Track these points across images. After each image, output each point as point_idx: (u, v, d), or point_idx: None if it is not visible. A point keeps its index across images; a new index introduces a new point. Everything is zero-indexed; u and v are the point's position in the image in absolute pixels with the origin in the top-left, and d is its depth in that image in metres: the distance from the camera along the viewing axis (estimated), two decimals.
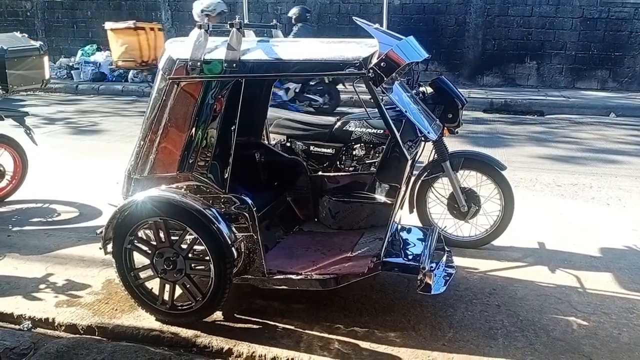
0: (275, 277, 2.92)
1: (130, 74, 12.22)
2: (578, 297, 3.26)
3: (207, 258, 2.81)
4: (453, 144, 4.66)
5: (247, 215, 2.84)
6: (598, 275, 3.55)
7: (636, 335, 2.88)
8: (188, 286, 2.91)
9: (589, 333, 2.90)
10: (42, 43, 4.88)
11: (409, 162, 2.97)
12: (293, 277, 2.91)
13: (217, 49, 2.89)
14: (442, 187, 3.95)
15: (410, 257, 3.14)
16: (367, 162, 3.93)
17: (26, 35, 5.07)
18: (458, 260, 3.54)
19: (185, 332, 2.88)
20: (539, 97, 10.68)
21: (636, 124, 8.95)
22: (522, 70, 12.18)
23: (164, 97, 2.92)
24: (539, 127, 8.65)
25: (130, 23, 5.78)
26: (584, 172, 5.98)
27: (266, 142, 3.91)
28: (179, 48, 2.97)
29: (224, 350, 2.76)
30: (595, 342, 2.82)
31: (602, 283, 3.44)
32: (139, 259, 2.99)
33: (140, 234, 2.96)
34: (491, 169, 3.86)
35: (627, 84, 11.75)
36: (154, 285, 3.00)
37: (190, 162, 2.93)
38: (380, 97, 2.91)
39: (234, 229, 2.82)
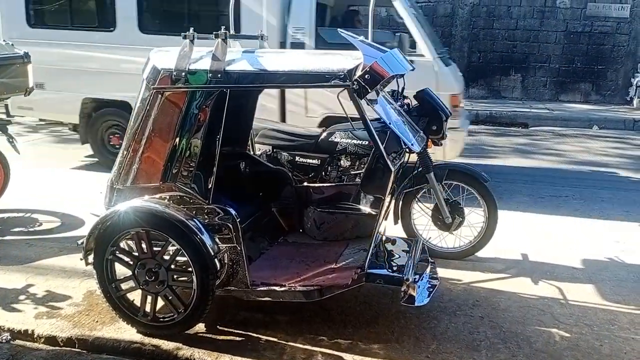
0: (258, 289, 2.90)
1: None
2: (560, 309, 3.28)
3: (190, 269, 2.78)
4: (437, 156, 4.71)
5: (230, 226, 2.82)
6: (580, 286, 3.58)
7: (617, 346, 2.91)
8: (170, 298, 2.88)
9: (571, 344, 2.92)
10: (26, 51, 4.84)
11: (393, 174, 2.98)
12: (277, 288, 2.90)
13: (202, 59, 2.89)
14: (426, 199, 3.97)
15: (394, 268, 3.14)
16: (352, 173, 3.94)
17: (10, 43, 5.03)
18: (442, 272, 3.55)
19: (167, 345, 2.84)
20: (524, 109, 10.81)
21: (618, 136, 9.09)
22: (507, 83, 12.33)
23: (147, 107, 2.90)
24: (523, 139, 8.75)
25: None
26: (567, 184, 6.05)
27: (251, 152, 3.91)
28: (164, 58, 2.96)
29: None
30: (577, 353, 2.84)
31: (585, 295, 3.47)
32: (121, 270, 2.96)
33: (122, 244, 2.93)
34: (475, 180, 3.88)
35: (609, 97, 11.94)
36: (135, 296, 2.96)
37: (174, 172, 2.91)
38: (367, 109, 2.93)
39: (217, 240, 2.80)
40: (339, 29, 3.02)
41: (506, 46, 12.13)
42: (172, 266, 2.85)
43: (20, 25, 6.25)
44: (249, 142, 3.89)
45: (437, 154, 4.84)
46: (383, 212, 3.15)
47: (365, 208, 3.49)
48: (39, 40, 6.06)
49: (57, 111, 6.55)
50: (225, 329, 3.00)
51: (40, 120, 7.68)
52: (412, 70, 3.22)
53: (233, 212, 2.83)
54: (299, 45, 5.51)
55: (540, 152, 7.72)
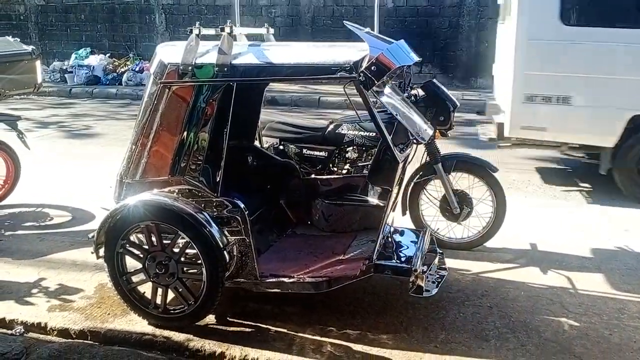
0: (267, 281, 2.92)
1: (125, 77, 12.22)
2: (569, 298, 3.28)
3: (199, 262, 2.81)
4: (445, 147, 4.67)
5: (239, 218, 2.84)
6: (589, 276, 3.57)
7: (627, 335, 2.90)
8: (180, 290, 2.91)
9: (580, 334, 2.92)
10: (34, 47, 4.88)
11: (400, 165, 2.99)
12: (285, 280, 2.92)
13: (208, 53, 2.90)
14: (434, 189, 3.96)
15: (402, 259, 3.15)
16: (359, 164, 3.94)
17: (18, 40, 5.07)
18: (450, 262, 3.55)
19: (178, 336, 2.87)
20: None
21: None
22: None
23: (155, 102, 2.92)
24: None
25: None
26: (575, 173, 6.02)
27: (259, 145, 3.92)
28: (170, 52, 2.97)
29: (216, 354, 2.76)
30: (586, 342, 2.84)
31: (594, 284, 3.46)
32: (132, 263, 2.99)
33: (133, 238, 2.96)
34: (483, 170, 3.88)
35: None
36: (146, 289, 3.00)
37: (182, 165, 2.94)
38: (374, 101, 2.92)
39: (226, 232, 2.82)
40: (344, 21, 3.01)
41: None
42: (182, 259, 2.88)
43: (550, 23, 4.92)
44: (257, 135, 3.91)
45: None
46: (391, 203, 3.15)
47: (373, 199, 3.50)
48: (574, 42, 4.86)
49: (585, 132, 5.16)
50: (235, 321, 3.03)
51: (554, 145, 5.55)
52: (420, 61, 3.22)
53: (241, 204, 2.85)
54: None
55: None
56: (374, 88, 2.77)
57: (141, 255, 2.92)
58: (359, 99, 2.80)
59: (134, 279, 2.99)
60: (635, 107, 4.86)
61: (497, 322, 3.02)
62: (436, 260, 3.23)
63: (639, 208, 4.87)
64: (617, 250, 3.98)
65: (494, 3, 6.88)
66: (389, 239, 3.38)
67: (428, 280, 3.00)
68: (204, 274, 2.80)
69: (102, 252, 2.94)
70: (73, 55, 13.13)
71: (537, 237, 4.18)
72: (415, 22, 12.27)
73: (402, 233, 3.55)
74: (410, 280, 2.88)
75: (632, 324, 3.01)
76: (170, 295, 2.96)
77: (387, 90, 3.13)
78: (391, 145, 2.86)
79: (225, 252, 2.76)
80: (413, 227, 3.88)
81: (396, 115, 2.97)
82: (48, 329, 3.00)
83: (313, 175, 3.84)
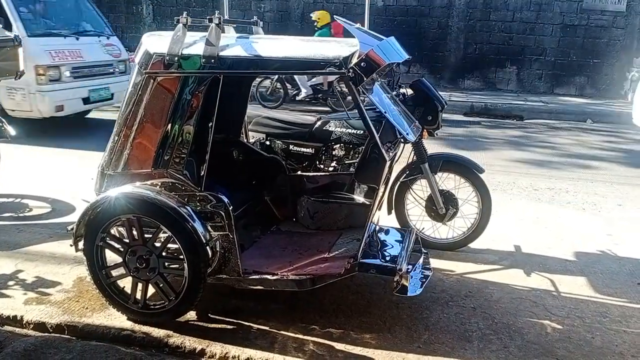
0: (250, 277, 2.88)
1: None
2: (552, 301, 3.28)
3: (181, 257, 2.76)
4: (432, 147, 4.66)
5: (222, 213, 2.79)
6: (573, 279, 3.58)
7: (608, 339, 2.91)
8: (161, 285, 2.86)
9: (562, 337, 2.92)
10: (17, 34, 4.76)
11: (388, 163, 2.96)
12: (269, 277, 2.88)
13: (195, 44, 2.84)
14: (420, 189, 3.95)
15: (387, 258, 3.13)
16: (346, 162, 3.91)
17: (1, 27, 4.96)
18: (435, 262, 3.54)
19: (158, 332, 2.82)
20: (519, 101, 10.81)
21: (612, 130, 9.10)
22: (502, 75, 12.32)
23: (139, 92, 2.86)
24: (517, 132, 8.74)
25: None
26: (560, 176, 6.06)
27: (245, 140, 3.87)
28: (156, 42, 2.91)
29: (196, 351, 2.72)
30: (568, 345, 2.84)
31: (577, 287, 3.47)
32: (111, 257, 2.92)
33: (113, 231, 2.90)
34: (469, 171, 3.87)
35: (604, 91, 11.95)
36: (126, 283, 2.94)
37: (166, 158, 2.88)
38: (361, 98, 2.89)
39: (209, 227, 2.77)
40: (335, 16, 2.98)
41: (502, 38, 12.10)
42: (164, 253, 2.82)
43: None
44: (243, 129, 3.86)
45: None
46: (377, 202, 3.13)
47: (359, 198, 3.47)
48: None
49: None
50: (217, 317, 2.98)
51: None
52: (410, 59, 3.20)
53: (225, 199, 2.80)
54: None
55: (534, 145, 7.73)
56: (363, 85, 2.74)
57: (121, 249, 2.86)
58: (348, 97, 2.77)
59: (114, 273, 2.93)
60: None
61: (481, 324, 3.01)
62: (421, 260, 3.21)
63: (622, 213, 4.91)
64: (600, 254, 4.00)
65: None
66: (374, 238, 3.36)
67: (412, 280, 2.97)
68: (186, 270, 2.75)
69: (81, 244, 2.87)
70: None
71: (521, 239, 4.19)
72: (404, 22, 12.29)
73: (387, 232, 3.53)
74: (395, 279, 2.86)
75: (613, 327, 3.02)
76: (151, 290, 2.91)
77: (376, 87, 3.10)
78: (379, 144, 2.84)
79: (207, 247, 2.72)
80: (398, 226, 3.86)
81: (384, 113, 2.95)
82: (24, 322, 2.93)
83: (299, 172, 3.80)
